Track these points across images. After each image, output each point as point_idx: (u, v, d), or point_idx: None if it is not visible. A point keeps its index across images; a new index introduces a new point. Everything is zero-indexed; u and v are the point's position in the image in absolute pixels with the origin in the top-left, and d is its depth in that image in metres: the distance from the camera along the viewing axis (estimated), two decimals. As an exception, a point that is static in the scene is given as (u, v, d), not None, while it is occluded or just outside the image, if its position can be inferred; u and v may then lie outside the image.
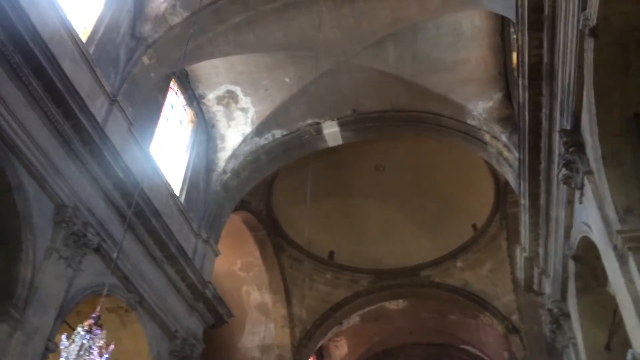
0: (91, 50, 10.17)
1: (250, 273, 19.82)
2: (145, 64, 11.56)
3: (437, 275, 21.13)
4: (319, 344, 22.25)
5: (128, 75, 11.10)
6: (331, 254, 21.86)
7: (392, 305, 22.56)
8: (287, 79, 14.58)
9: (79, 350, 6.43)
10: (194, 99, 14.88)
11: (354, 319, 22.50)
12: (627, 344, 8.53)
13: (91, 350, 6.47)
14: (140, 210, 10.87)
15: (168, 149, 13.67)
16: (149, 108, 12.77)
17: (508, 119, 13.69)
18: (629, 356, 8.20)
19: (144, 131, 12.12)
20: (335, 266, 21.74)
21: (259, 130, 15.29)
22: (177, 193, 13.28)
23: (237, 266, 19.71)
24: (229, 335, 19.83)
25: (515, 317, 19.32)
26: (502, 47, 13.56)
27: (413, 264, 21.47)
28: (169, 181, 12.84)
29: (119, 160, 10.08)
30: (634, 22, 6.66)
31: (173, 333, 11.98)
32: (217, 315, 13.72)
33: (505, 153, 13.73)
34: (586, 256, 9.95)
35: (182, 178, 14.00)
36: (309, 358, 21.58)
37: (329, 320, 21.36)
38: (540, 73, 9.43)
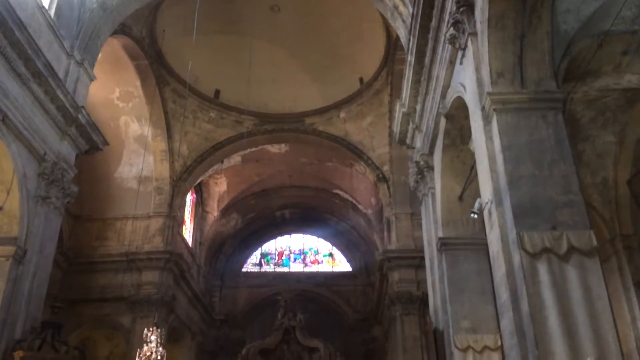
0: None
1: (129, 104, 18.97)
2: None
3: (321, 124, 21.70)
4: (199, 180, 22.61)
5: None
6: (217, 92, 21.40)
7: (274, 148, 23.08)
8: None
9: None
10: None
11: (235, 158, 22.86)
12: (476, 195, 9.58)
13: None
14: (1, 19, 9.65)
15: (35, -48, 11.88)
16: None
17: (409, -28, 13.40)
18: (476, 204, 9.29)
19: None
20: (220, 105, 21.44)
21: (144, -54, 13.71)
22: (46, 6, 11.86)
23: (116, 95, 18.71)
24: (105, 165, 19.42)
25: (386, 168, 20.75)
26: None
27: (298, 111, 21.75)
28: (37, -10, 11.37)
29: (-28, -45, 8.66)
30: None
31: (41, 156, 11.43)
32: (91, 142, 13.20)
33: (401, 8, 13.63)
34: (457, 115, 10.67)
35: (52, -11, 12.43)
36: (187, 192, 21.98)
37: (210, 158, 21.53)
38: None
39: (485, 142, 8.26)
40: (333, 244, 29.28)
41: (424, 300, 17.24)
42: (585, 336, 6.53)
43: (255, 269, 29.00)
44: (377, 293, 23.34)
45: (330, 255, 29.22)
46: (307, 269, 28.78)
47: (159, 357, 10.15)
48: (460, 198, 11.58)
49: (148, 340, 10.33)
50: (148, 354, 10.13)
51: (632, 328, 10.92)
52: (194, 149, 21.01)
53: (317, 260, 29.16)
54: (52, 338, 11.16)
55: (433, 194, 12.67)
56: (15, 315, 10.80)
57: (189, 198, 23.76)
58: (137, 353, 10.32)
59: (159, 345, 10.33)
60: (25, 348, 10.51)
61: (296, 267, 28.95)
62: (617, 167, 10.95)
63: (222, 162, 22.43)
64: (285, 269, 28.87)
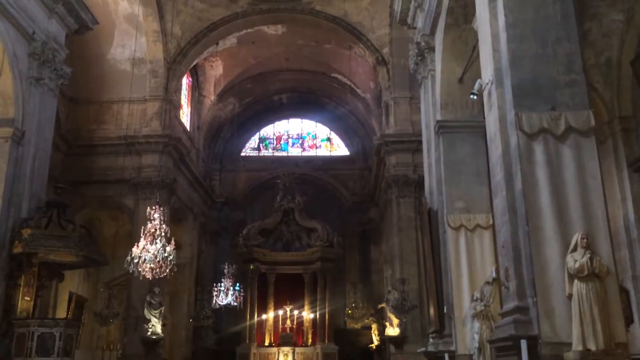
0: None
1: (117, -21, 18.06)
2: None
3: (318, 3, 20.76)
4: (194, 63, 22.10)
5: None
6: (209, -33, 20.27)
7: (271, 30, 22.29)
8: None
9: None
10: None
11: (231, 40, 22.16)
12: (476, 78, 9.41)
13: None
14: None
15: None
16: None
17: None
18: (476, 85, 9.15)
19: None
20: (213, -18, 20.40)
21: None
22: None
23: (102, -30, 17.75)
24: (97, 46, 18.84)
25: (385, 50, 20.21)
26: None
27: (295, -12, 20.75)
28: None
29: None
30: None
31: (30, 35, 11.08)
32: (80, 21, 12.73)
33: None
34: (461, -8, 10.20)
35: None
36: (183, 75, 21.58)
37: (205, 40, 20.85)
38: None
39: (489, 20, 7.98)
40: (331, 129, 29.28)
41: (419, 183, 17.60)
42: (575, 213, 6.72)
43: (254, 153, 29.25)
44: (374, 176, 23.78)
45: (329, 139, 29.35)
46: (305, 153, 29.03)
47: (162, 234, 10.55)
48: (460, 80, 11.40)
49: (152, 218, 10.67)
50: (152, 230, 10.51)
51: (621, 207, 11.25)
52: (187, 30, 20.29)
53: (315, 145, 29.33)
54: (59, 217, 11.50)
55: (433, 76, 12.47)
56: (20, 195, 11.05)
57: (185, 82, 23.37)
58: (142, 230, 10.70)
59: (162, 222, 10.70)
60: (33, 226, 10.86)
61: (294, 151, 29.18)
62: (623, 47, 10.65)
63: (217, 44, 21.75)
64: (284, 153, 29.12)
